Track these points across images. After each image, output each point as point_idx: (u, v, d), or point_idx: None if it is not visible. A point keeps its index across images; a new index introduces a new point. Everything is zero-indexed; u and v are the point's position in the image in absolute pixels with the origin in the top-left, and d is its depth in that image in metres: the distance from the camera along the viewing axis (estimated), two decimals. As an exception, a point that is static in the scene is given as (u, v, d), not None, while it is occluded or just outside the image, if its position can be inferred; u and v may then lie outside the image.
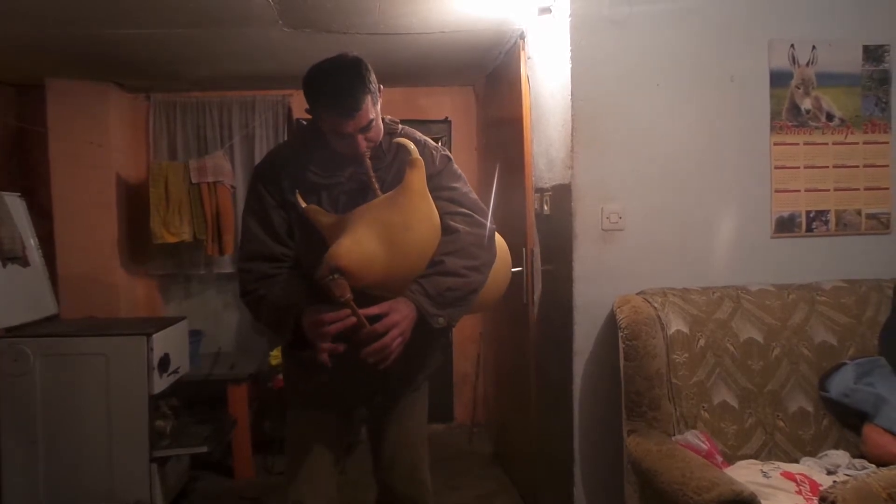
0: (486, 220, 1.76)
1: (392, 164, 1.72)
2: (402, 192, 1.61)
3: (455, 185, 1.76)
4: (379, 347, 1.52)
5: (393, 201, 1.61)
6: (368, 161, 1.65)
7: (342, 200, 1.68)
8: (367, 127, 1.60)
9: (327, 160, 1.69)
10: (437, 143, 1.88)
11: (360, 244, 1.52)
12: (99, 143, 3.71)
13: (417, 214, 1.61)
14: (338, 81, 1.57)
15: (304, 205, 1.65)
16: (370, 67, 1.63)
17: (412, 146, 1.66)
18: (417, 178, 1.62)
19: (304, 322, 1.57)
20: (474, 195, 1.80)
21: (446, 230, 1.68)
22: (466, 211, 1.73)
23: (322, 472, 1.79)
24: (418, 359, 1.84)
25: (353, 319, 1.52)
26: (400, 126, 1.80)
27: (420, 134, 1.83)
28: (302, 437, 1.81)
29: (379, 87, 1.65)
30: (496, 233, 1.94)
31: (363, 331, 1.52)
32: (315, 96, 1.60)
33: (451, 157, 1.82)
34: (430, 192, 1.68)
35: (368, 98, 1.58)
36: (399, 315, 1.55)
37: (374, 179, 1.65)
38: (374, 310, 1.54)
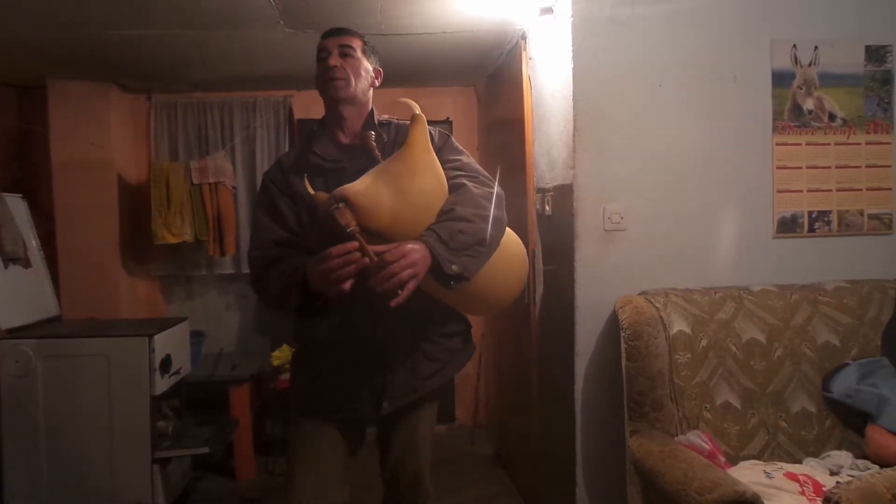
0: (493, 184, 1.76)
1: (393, 145, 1.76)
2: (407, 146, 1.64)
3: (458, 157, 1.80)
4: (387, 275, 1.44)
5: (398, 156, 1.64)
6: (373, 143, 1.72)
7: (344, 183, 1.69)
8: (346, 47, 1.75)
9: (330, 146, 1.76)
10: None
11: (368, 187, 1.54)
12: (100, 144, 3.71)
13: (421, 165, 1.63)
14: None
15: (312, 192, 1.65)
16: (372, 44, 1.84)
17: (414, 104, 1.70)
18: (420, 133, 1.65)
19: (310, 271, 1.52)
20: (478, 165, 1.82)
21: (453, 188, 1.69)
22: (472, 174, 1.75)
23: (325, 480, 1.74)
24: (432, 365, 1.80)
25: (359, 255, 1.45)
26: (396, 119, 1.87)
27: None
28: (304, 446, 1.76)
29: (377, 66, 1.84)
30: (512, 232, 1.93)
31: (371, 264, 1.45)
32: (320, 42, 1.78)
33: (451, 135, 1.87)
34: None
35: (358, 40, 1.78)
36: (410, 248, 1.48)
37: (379, 158, 1.69)
38: (382, 248, 1.48)
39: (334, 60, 1.73)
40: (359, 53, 1.77)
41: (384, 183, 1.56)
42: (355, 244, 1.46)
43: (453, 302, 1.79)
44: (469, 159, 1.82)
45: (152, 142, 3.98)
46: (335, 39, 1.76)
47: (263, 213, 1.75)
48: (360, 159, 1.72)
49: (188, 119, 3.98)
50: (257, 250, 1.73)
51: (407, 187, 1.57)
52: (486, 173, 1.80)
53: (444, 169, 1.71)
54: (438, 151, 1.74)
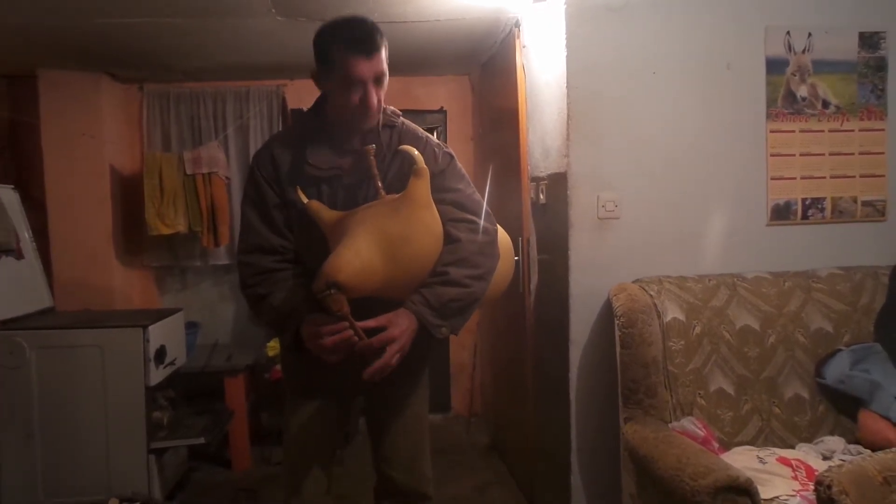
0: (490, 223, 1.73)
1: (393, 161, 1.68)
2: (405, 201, 1.57)
3: (458, 186, 1.72)
4: (378, 367, 1.53)
5: (395, 210, 1.57)
6: (373, 158, 1.62)
7: (341, 195, 1.66)
8: (380, 77, 1.57)
9: (326, 151, 1.65)
10: (433, 133, 1.85)
11: (359, 256, 1.50)
12: (92, 135, 3.68)
13: (419, 227, 1.58)
14: (358, 23, 1.56)
15: (305, 200, 1.63)
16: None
17: (416, 153, 1.60)
18: (422, 188, 1.58)
19: (303, 332, 1.58)
20: (478, 195, 1.76)
21: (448, 238, 1.65)
22: (470, 217, 1.69)
23: (318, 460, 1.79)
24: (414, 350, 1.82)
25: (350, 332, 1.51)
26: (400, 118, 1.75)
27: (422, 130, 1.79)
28: (299, 424, 1.80)
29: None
30: (500, 228, 1.92)
31: (360, 344, 1.52)
32: (333, 38, 1.55)
33: (454, 154, 1.78)
34: (433, 193, 1.63)
35: (384, 49, 1.56)
36: (398, 329, 1.54)
37: (377, 177, 1.62)
38: (371, 323, 1.53)
39: (373, 98, 1.56)
40: (386, 67, 1.58)
41: (377, 247, 1.52)
42: (345, 324, 1.51)
43: None
44: (469, 189, 1.75)
45: (145, 132, 3.95)
46: (369, 64, 1.52)
47: (254, 214, 1.69)
48: (359, 166, 1.65)
49: (181, 109, 3.95)
50: (247, 255, 1.69)
51: (402, 253, 1.55)
52: (482, 204, 1.74)
53: (441, 202, 1.65)
54: (440, 174, 1.69)
